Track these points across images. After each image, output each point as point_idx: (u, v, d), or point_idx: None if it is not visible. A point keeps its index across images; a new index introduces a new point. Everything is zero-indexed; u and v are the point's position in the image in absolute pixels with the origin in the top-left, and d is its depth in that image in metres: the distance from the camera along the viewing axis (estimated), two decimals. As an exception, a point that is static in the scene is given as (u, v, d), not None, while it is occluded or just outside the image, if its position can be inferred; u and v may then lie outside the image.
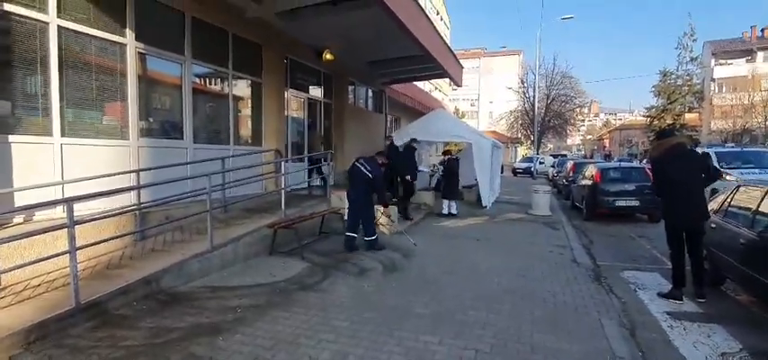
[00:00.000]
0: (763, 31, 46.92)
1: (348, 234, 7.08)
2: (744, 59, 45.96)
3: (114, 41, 6.27)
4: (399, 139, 11.78)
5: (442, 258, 6.62)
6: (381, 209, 7.79)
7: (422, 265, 6.21)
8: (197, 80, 7.95)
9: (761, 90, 39.32)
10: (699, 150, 7.30)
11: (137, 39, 6.51)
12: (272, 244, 6.55)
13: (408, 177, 10.01)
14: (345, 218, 7.56)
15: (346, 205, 7.50)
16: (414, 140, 10.78)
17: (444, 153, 12.35)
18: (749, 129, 40.40)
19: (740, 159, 11.82)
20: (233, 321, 4.04)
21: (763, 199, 4.64)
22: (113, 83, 6.35)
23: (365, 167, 7.12)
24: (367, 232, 7.10)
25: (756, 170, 10.99)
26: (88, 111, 6.11)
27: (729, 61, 47.11)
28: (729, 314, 4.63)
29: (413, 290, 5.09)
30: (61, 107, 5.65)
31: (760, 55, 45.09)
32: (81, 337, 3.60)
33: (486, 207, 12.25)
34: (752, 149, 15.43)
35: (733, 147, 17.06)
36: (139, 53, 6.62)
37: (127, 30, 6.39)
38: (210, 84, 8.57)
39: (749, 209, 4.86)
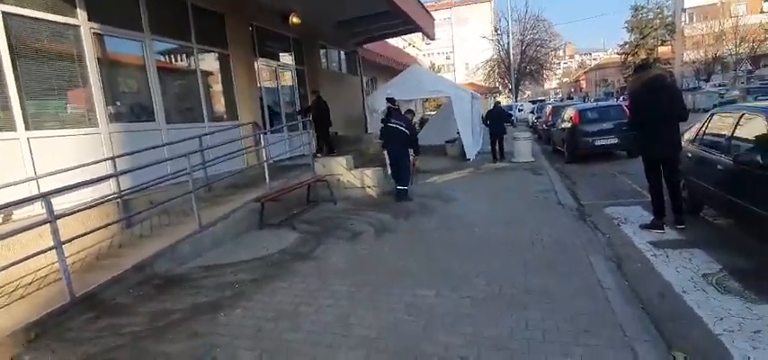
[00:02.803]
0: (731, -44, 47.39)
1: (397, 187, 7.98)
2: (713, -14, 46.56)
3: (67, 24, 6.03)
4: (378, 102, 11.71)
5: (432, 215, 6.79)
6: (415, 159, 8.71)
7: (412, 224, 6.37)
8: (161, 58, 7.74)
9: (730, 17, 40.19)
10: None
11: (90, 19, 6.25)
12: (260, 217, 6.59)
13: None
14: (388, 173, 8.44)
15: (388, 162, 8.35)
16: (389, 100, 10.78)
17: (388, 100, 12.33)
18: (720, 57, 41.52)
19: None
20: (232, 297, 4.13)
21: (736, 126, 4.87)
22: (73, 68, 6.13)
23: (401, 125, 8.06)
24: (402, 181, 7.95)
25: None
26: (51, 100, 5.92)
27: (700, -10, 47.67)
28: (708, 238, 4.95)
29: (406, 248, 5.25)
30: (21, 99, 5.45)
31: (729, -20, 45.71)
32: (82, 329, 3.64)
33: (469, 159, 12.47)
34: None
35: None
36: (95, 34, 6.37)
37: (78, 10, 6.12)
38: (176, 60, 8.34)
39: (724, 135, 5.09)
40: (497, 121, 12.78)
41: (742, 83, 35.03)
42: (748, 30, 39.57)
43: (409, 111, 9.41)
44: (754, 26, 39.48)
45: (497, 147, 12.57)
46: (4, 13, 5.31)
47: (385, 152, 8.41)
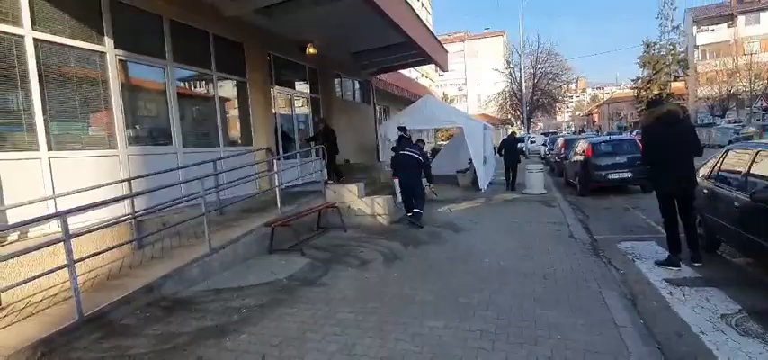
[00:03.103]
0: (743, -6, 47.54)
1: (409, 214, 8.21)
2: (725, 25, 46.61)
3: (93, 50, 6.23)
4: (390, 131, 11.76)
5: (442, 245, 6.72)
6: (429, 186, 9.00)
7: (422, 253, 6.30)
8: (181, 84, 7.94)
9: (744, 54, 39.98)
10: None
11: (116, 46, 6.46)
12: (270, 242, 6.59)
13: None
14: (398, 200, 8.86)
15: (398, 190, 8.71)
16: (401, 129, 10.68)
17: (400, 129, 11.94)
18: (735, 94, 41.10)
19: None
20: (238, 322, 4.08)
21: (752, 162, 4.76)
22: (96, 93, 6.30)
23: (415, 153, 8.36)
24: (418, 205, 8.17)
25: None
26: (73, 123, 6.07)
27: (711, 27, 47.75)
28: (726, 276, 4.78)
29: (415, 277, 5.17)
30: (46, 121, 5.60)
31: (741, 19, 45.77)
32: (88, 349, 3.62)
33: (481, 190, 12.38)
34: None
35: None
36: (120, 61, 6.58)
37: (105, 37, 6.34)
38: (195, 87, 8.54)
39: (740, 172, 4.98)
40: (512, 150, 13.23)
41: (757, 119, 34.51)
42: (763, 67, 39.25)
43: (420, 140, 9.48)
44: (768, 64, 39.22)
45: (511, 176, 12.84)
46: (35, 39, 5.52)
47: (395, 180, 8.42)
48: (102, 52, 6.31)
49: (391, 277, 5.25)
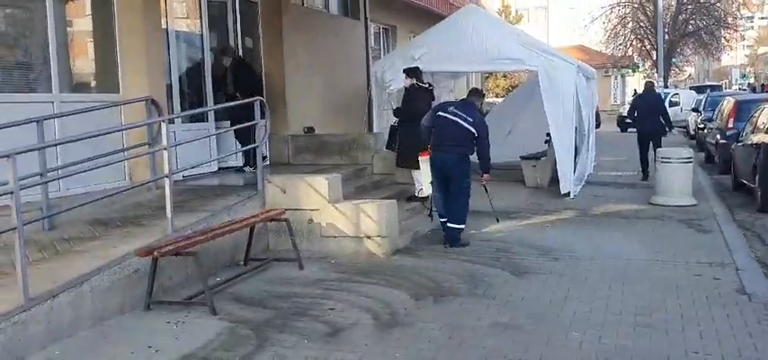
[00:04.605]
0: None
1: (443, 219, 6.95)
2: None
3: None
4: (395, 72, 9.65)
5: (488, 299, 5.23)
6: (485, 179, 7.33)
7: (448, 315, 4.83)
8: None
9: None
10: None
11: None
12: (150, 287, 4.91)
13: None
14: (423, 196, 7.60)
15: (424, 179, 7.39)
16: (409, 73, 8.49)
17: (407, 73, 8.89)
18: None
19: None
20: None
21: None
22: None
23: (463, 117, 6.72)
24: (455, 215, 6.80)
25: None
26: None
27: None
28: None
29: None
30: None
31: None
32: None
33: (569, 194, 9.70)
34: None
35: None
36: None
37: None
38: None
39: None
40: (651, 113, 11.54)
41: None
42: None
43: (424, 88, 7.81)
44: None
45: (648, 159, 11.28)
46: None
47: (421, 161, 7.24)
48: None
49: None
